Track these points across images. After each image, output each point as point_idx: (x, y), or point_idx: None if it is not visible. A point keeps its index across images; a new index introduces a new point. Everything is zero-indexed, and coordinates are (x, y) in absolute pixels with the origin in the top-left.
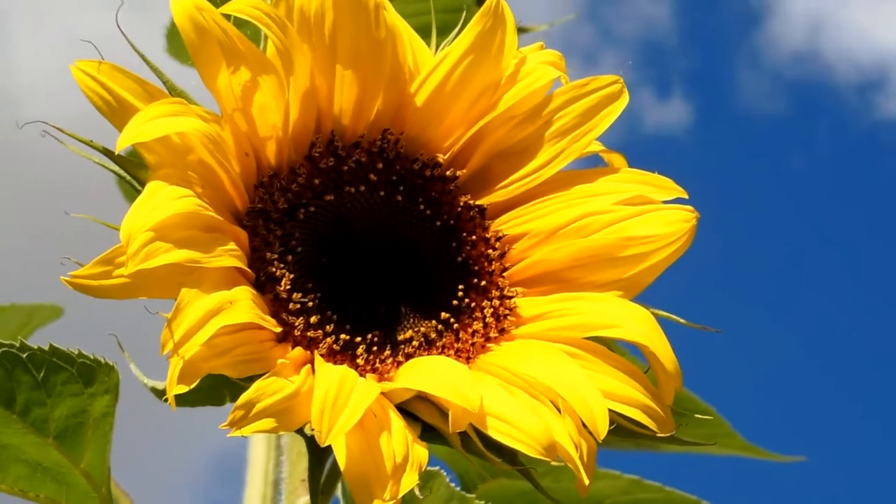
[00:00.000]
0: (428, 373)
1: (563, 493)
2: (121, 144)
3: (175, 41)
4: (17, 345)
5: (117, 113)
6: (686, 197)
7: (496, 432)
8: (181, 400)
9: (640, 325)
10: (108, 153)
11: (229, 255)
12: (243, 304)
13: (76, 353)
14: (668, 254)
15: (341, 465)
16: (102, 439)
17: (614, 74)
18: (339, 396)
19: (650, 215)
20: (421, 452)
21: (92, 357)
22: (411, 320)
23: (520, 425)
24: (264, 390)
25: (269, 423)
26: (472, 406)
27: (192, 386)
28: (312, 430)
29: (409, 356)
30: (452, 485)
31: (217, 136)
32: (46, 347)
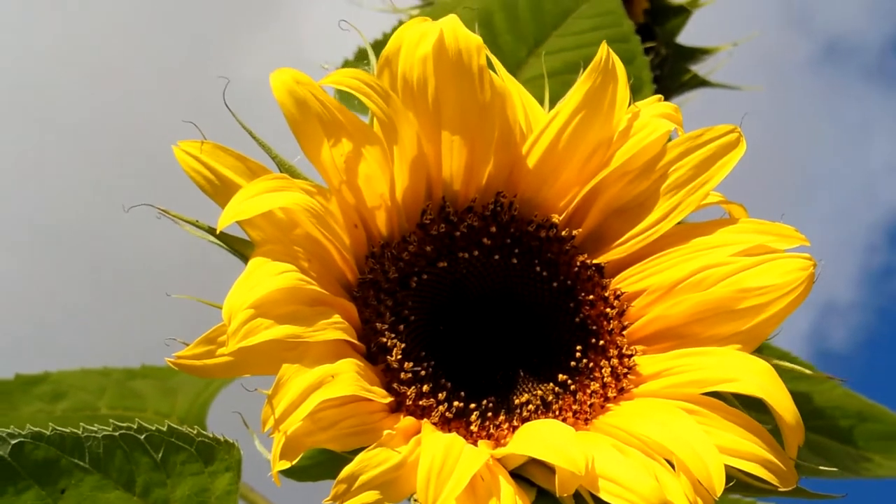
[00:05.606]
0: (536, 437)
1: None
2: (222, 223)
3: None
4: (136, 426)
5: (220, 191)
6: (808, 244)
7: (607, 493)
8: (302, 475)
9: (757, 378)
10: (213, 232)
11: (333, 329)
12: (345, 377)
13: (195, 432)
14: (785, 304)
15: None
16: None
17: (731, 124)
18: (445, 465)
19: (767, 265)
20: None
21: (211, 436)
22: (529, 384)
23: (630, 485)
24: (368, 462)
25: (372, 495)
26: (577, 469)
27: (295, 461)
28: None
29: (525, 420)
30: None
31: (322, 209)
32: (164, 428)
